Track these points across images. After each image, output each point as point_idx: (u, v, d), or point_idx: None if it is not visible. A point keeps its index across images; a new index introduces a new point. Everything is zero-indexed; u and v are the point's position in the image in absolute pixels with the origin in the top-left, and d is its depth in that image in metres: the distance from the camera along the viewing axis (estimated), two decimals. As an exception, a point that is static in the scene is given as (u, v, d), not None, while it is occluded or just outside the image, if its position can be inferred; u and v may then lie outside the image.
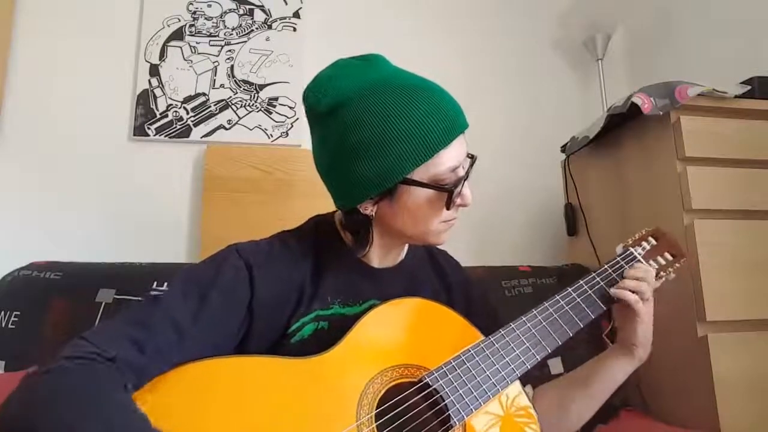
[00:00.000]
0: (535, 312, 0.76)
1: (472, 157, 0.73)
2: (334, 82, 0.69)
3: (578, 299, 0.78)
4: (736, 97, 1.16)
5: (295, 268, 0.73)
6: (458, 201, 0.71)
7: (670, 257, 0.85)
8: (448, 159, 0.67)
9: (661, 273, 0.83)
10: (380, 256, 0.78)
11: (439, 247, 0.84)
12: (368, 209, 0.71)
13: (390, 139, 0.65)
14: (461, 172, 0.70)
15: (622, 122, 1.27)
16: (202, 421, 0.56)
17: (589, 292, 0.79)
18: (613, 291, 0.78)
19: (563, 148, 1.55)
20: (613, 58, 1.94)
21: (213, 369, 0.60)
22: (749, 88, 1.17)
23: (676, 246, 0.86)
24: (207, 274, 0.67)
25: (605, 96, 1.82)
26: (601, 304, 0.78)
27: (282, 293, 0.70)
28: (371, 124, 0.65)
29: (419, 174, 0.67)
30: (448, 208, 0.69)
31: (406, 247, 0.83)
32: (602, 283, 0.80)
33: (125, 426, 0.51)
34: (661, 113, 1.14)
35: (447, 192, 0.68)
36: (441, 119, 0.66)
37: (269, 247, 0.73)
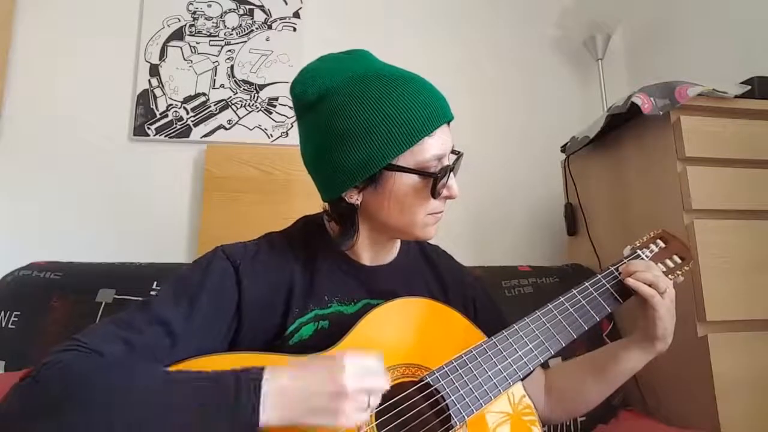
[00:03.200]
0: (538, 314, 0.75)
1: (458, 153, 0.73)
2: (320, 73, 0.70)
3: (583, 301, 0.77)
4: (736, 97, 1.16)
5: (283, 268, 0.72)
6: (444, 192, 0.70)
7: (678, 260, 0.83)
8: (433, 147, 0.68)
9: (670, 276, 0.80)
10: (370, 252, 0.78)
11: (430, 242, 0.84)
12: (354, 197, 0.70)
13: (374, 126, 0.65)
14: (447, 162, 0.70)
15: (622, 122, 1.27)
16: None
17: (595, 294, 0.78)
18: (631, 281, 0.75)
19: (563, 148, 1.55)
20: (613, 58, 1.94)
21: (216, 364, 0.60)
22: (749, 88, 1.17)
23: (684, 249, 0.85)
24: (195, 276, 0.67)
25: (605, 96, 1.82)
26: (606, 307, 0.77)
27: (270, 293, 0.70)
28: (356, 111, 0.66)
29: (404, 160, 0.67)
30: (434, 197, 0.69)
31: (398, 244, 0.83)
32: (608, 285, 0.79)
33: (145, 373, 0.52)
34: (661, 113, 1.13)
35: (432, 178, 0.68)
36: (425, 107, 0.67)
37: (256, 248, 0.73)
